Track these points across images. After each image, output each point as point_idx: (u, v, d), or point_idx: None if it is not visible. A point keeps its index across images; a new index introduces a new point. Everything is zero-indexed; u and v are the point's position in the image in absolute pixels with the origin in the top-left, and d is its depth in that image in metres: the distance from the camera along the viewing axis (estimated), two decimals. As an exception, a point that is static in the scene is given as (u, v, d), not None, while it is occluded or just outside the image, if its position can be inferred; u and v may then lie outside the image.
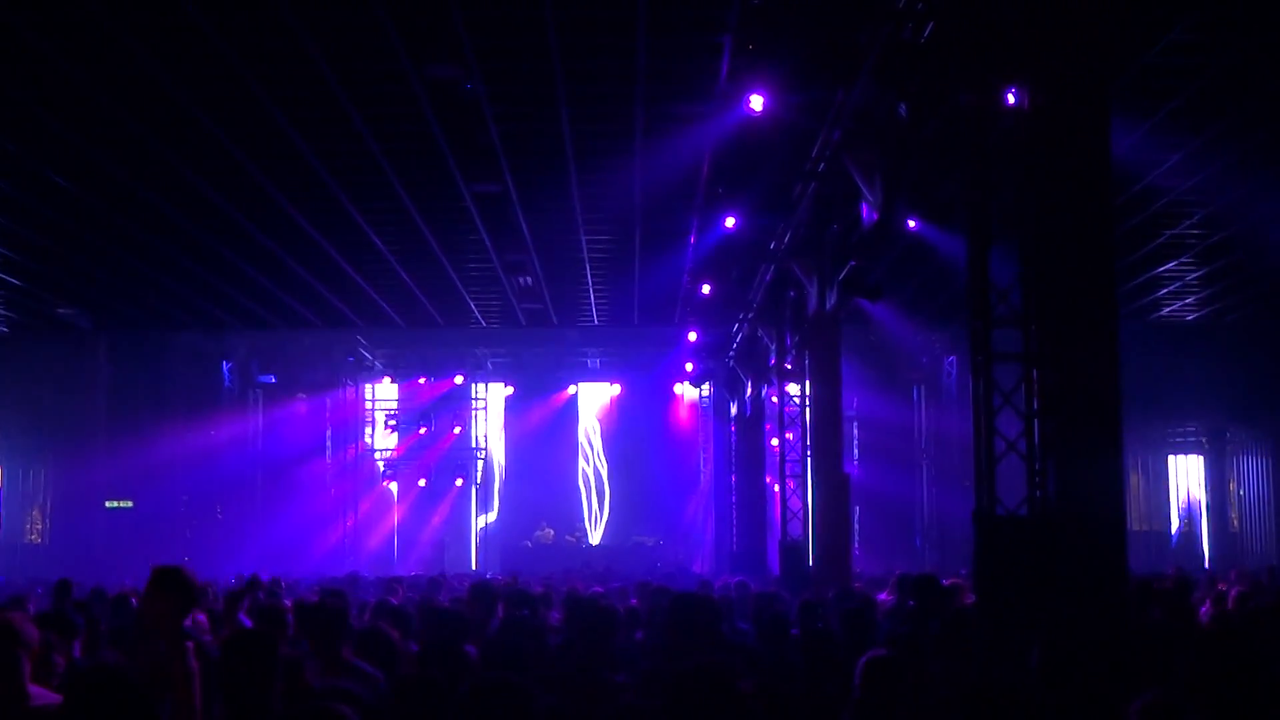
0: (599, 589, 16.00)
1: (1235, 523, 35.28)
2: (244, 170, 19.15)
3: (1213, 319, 30.37)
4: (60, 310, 29.57)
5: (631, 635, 10.15)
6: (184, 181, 19.66)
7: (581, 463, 41.54)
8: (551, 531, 38.86)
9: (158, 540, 31.87)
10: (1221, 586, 16.66)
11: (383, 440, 41.46)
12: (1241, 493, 35.12)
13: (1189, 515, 36.59)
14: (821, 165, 16.14)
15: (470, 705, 4.88)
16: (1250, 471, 34.79)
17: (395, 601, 12.37)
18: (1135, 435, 31.61)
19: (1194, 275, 26.30)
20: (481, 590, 11.35)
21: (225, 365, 35.95)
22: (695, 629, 7.34)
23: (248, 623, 9.41)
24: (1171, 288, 27.29)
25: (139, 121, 17.13)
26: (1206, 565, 32.84)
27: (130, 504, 32.98)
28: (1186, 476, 36.74)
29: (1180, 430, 36.23)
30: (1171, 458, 36.85)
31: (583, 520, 40.73)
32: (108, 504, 32.67)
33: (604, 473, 41.42)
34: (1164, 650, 7.64)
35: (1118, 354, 8.55)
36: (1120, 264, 22.14)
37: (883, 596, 15.88)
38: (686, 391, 40.25)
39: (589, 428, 41.83)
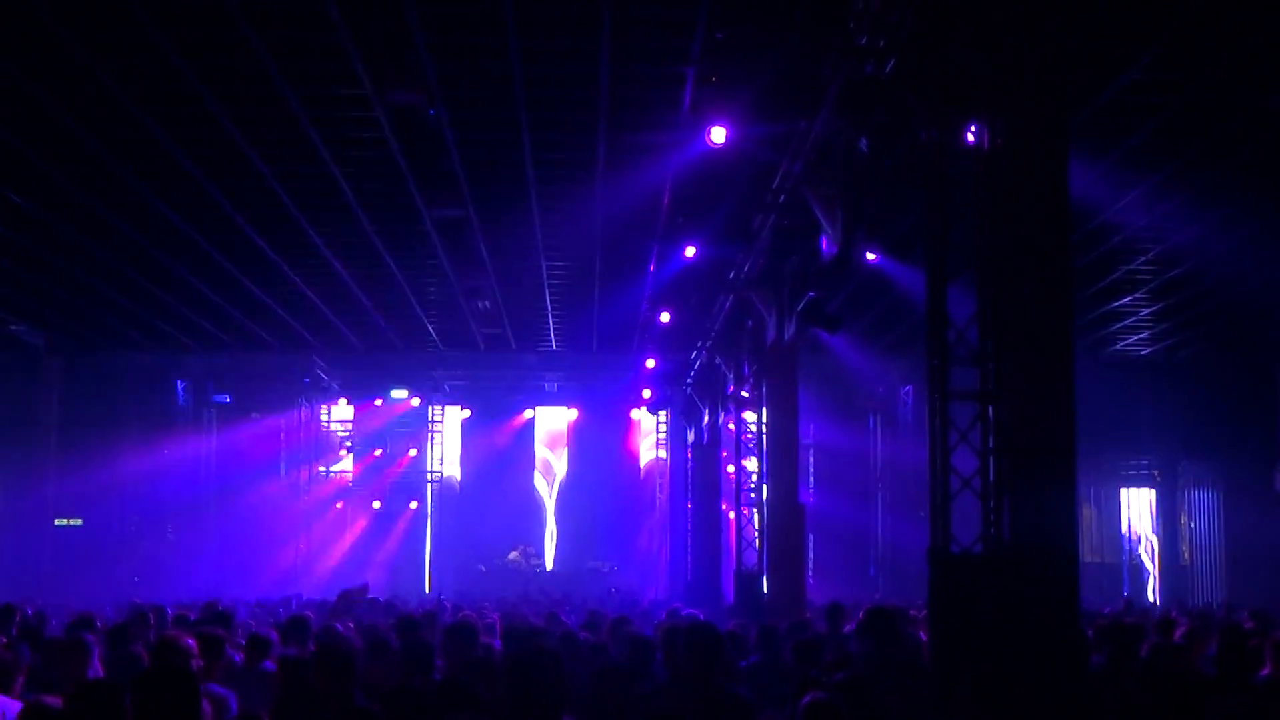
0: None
1: (1186, 556, 35.49)
2: (203, 190, 19.05)
3: (1166, 354, 30.67)
4: (13, 327, 29.31)
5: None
6: (141, 200, 19.54)
7: (537, 487, 41.45)
8: (518, 555, 38.79)
9: (107, 559, 31.61)
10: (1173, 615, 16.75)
11: (337, 462, 41.20)
12: (1192, 526, 35.33)
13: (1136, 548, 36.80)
14: (782, 197, 16.18)
15: None
16: (1201, 505, 35.02)
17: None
18: (1088, 468, 31.76)
19: (1148, 311, 26.55)
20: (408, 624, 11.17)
21: (180, 385, 35.71)
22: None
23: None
24: (1126, 322, 27.53)
25: (97, 139, 17.01)
26: (1154, 598, 33.12)
27: (80, 522, 32.68)
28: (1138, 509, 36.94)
29: (1133, 463, 36.46)
30: (1124, 490, 37.03)
31: (537, 544, 40.62)
32: (57, 522, 32.35)
33: (559, 497, 41.34)
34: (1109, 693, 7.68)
35: (1074, 393, 8.59)
36: (1076, 299, 22.35)
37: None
38: (644, 418, 40.22)
39: (545, 452, 41.74)
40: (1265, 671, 9.45)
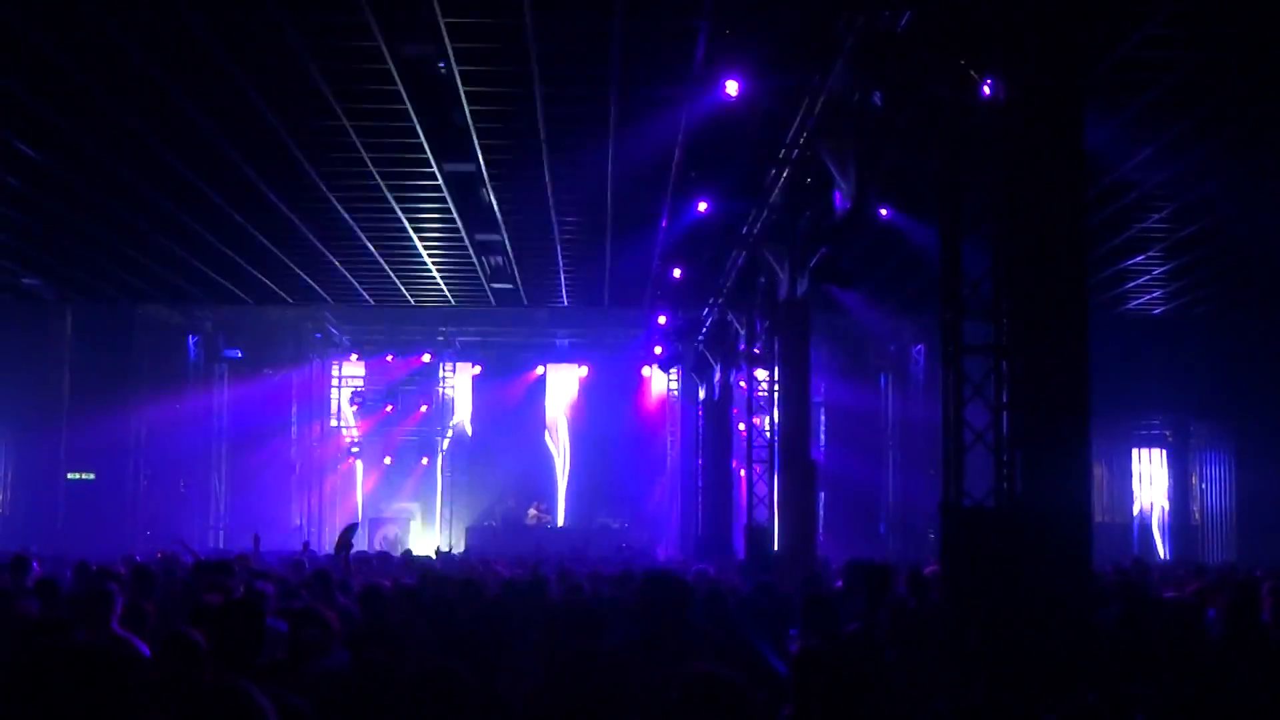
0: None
1: (1196, 516, 35.50)
2: (214, 144, 19.01)
3: (1179, 313, 30.53)
4: (25, 280, 29.33)
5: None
6: (153, 154, 19.50)
7: (548, 444, 41.51)
8: (535, 512, 38.87)
9: (118, 513, 31.74)
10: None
11: (349, 417, 41.31)
12: (1203, 487, 35.33)
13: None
14: (795, 152, 16.12)
15: (410, 694, 4.80)
16: (1212, 466, 35.01)
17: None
18: (1100, 428, 31.62)
19: (1161, 269, 26.42)
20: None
21: (191, 339, 35.78)
22: (666, 616, 7.23)
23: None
24: (1139, 281, 27.41)
25: (109, 93, 16.97)
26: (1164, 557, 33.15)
27: (92, 476, 32.78)
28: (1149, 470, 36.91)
29: (1145, 424, 36.41)
30: (1135, 451, 37.00)
31: (549, 501, 40.72)
32: (69, 476, 32.45)
33: (570, 454, 41.39)
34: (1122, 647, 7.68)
35: (1087, 348, 8.57)
36: (1088, 257, 22.28)
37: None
38: (655, 375, 40.23)
39: (556, 409, 41.77)
40: None
